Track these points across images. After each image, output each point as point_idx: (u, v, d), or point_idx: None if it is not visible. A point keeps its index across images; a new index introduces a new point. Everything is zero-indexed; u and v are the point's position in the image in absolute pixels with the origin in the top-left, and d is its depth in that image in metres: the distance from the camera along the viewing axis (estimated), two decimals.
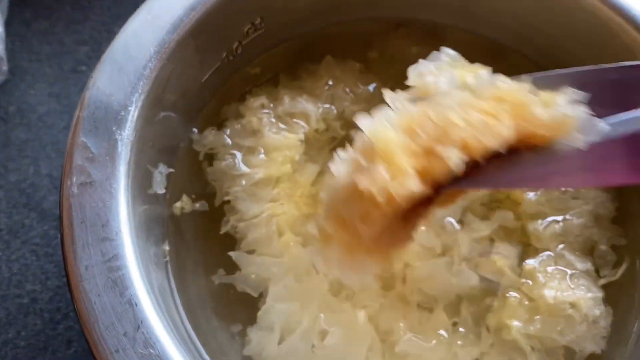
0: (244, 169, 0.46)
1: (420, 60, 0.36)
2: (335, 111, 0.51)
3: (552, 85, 0.32)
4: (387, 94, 0.34)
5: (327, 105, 0.51)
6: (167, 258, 0.45)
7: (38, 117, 0.62)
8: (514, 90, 0.31)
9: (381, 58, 0.54)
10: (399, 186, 0.29)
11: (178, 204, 0.47)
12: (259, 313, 0.43)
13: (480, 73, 0.34)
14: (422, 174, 0.30)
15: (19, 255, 0.56)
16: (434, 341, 0.42)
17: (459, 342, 0.42)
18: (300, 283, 0.43)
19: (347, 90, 0.52)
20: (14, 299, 0.54)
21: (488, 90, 0.32)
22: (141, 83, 0.40)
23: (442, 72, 0.35)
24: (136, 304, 0.34)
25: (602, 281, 0.45)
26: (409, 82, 0.35)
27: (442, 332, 0.42)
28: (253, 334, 0.43)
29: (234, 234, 0.46)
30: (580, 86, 0.31)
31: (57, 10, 0.67)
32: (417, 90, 0.35)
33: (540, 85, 0.32)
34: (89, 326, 0.34)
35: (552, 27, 0.49)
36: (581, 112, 0.30)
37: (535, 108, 0.30)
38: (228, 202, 0.47)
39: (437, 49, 0.37)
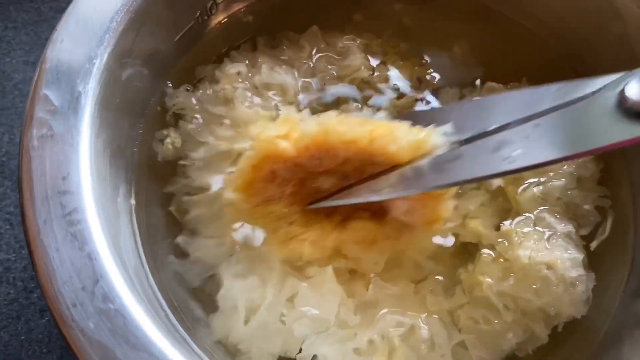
0: (208, 138, 0.45)
1: None
2: (314, 85, 0.49)
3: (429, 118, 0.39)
4: None
5: (307, 79, 0.49)
6: (134, 214, 0.43)
7: (14, 84, 0.60)
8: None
9: (365, 18, 0.53)
10: None
11: (142, 160, 0.45)
12: (219, 295, 0.42)
13: None
14: None
15: None
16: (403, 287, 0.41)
17: (430, 289, 0.41)
18: (252, 251, 0.42)
19: (329, 65, 0.50)
20: None
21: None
22: (107, 36, 0.39)
23: None
24: (95, 259, 0.33)
25: (594, 244, 0.44)
26: None
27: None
28: (216, 319, 0.42)
29: (179, 207, 0.45)
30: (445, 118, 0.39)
31: None
32: None
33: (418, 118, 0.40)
34: (46, 281, 0.32)
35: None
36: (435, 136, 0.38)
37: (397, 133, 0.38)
38: (182, 166, 0.46)
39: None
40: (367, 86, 0.51)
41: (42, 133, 0.36)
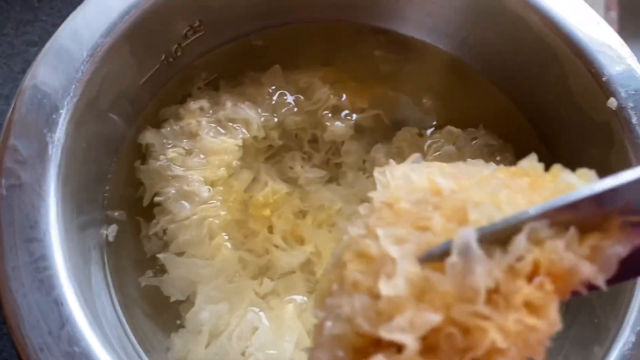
0: (178, 170, 0.47)
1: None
2: (275, 120, 0.52)
3: None
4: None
5: (267, 114, 0.52)
6: (105, 257, 0.46)
7: None
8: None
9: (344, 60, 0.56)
10: None
11: (112, 204, 0.47)
12: (187, 315, 0.44)
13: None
14: None
15: None
16: None
17: None
18: (231, 284, 0.45)
19: (290, 100, 0.53)
20: None
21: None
22: (73, 86, 0.41)
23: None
24: (62, 303, 0.35)
25: None
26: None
27: None
28: (178, 338, 0.44)
29: (162, 236, 0.47)
30: None
31: (6, 11, 0.67)
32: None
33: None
34: (14, 326, 0.35)
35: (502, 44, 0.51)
36: None
37: None
38: (159, 204, 0.47)
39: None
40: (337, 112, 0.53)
41: (10, 183, 0.38)
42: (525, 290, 0.23)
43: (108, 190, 0.47)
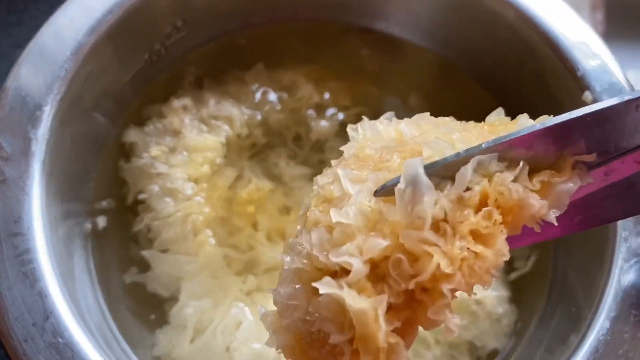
0: (162, 168, 0.48)
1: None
2: (259, 118, 0.53)
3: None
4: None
5: (251, 111, 0.53)
6: (89, 254, 0.46)
7: None
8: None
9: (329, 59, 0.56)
10: None
11: (96, 201, 0.48)
12: (172, 312, 0.45)
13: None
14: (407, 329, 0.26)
15: None
16: None
17: None
18: (215, 279, 0.45)
19: (274, 98, 0.53)
20: None
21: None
22: (57, 84, 0.42)
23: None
24: (46, 296, 0.36)
25: (513, 275, 0.47)
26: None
27: None
28: (162, 334, 0.45)
29: (147, 233, 0.47)
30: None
31: None
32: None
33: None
34: None
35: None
36: None
37: None
38: (142, 201, 0.48)
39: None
40: (321, 110, 0.54)
41: None
42: (472, 219, 0.25)
43: (92, 187, 0.48)
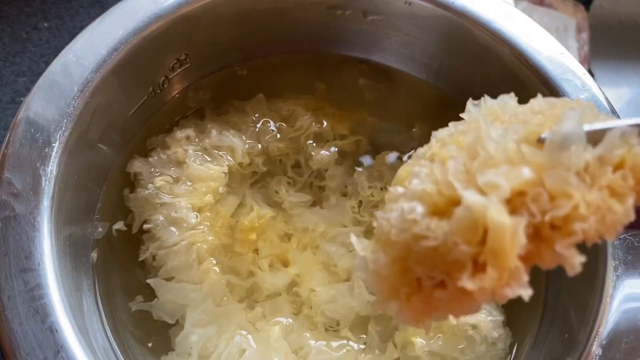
0: (166, 198, 0.49)
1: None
2: (260, 147, 0.54)
3: None
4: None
5: (252, 141, 0.54)
6: (96, 284, 0.47)
7: None
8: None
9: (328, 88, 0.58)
10: (508, 290, 0.26)
11: (102, 231, 0.49)
12: (177, 339, 0.46)
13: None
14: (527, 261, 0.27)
15: None
16: (344, 350, 0.45)
17: (364, 355, 0.45)
18: (219, 307, 0.46)
19: (273, 128, 0.55)
20: None
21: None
22: (65, 120, 0.43)
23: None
24: (57, 330, 0.37)
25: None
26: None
27: (352, 343, 0.46)
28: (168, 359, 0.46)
29: (152, 262, 0.49)
30: None
31: None
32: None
33: None
34: (11, 353, 0.36)
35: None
36: None
37: None
38: (147, 231, 0.49)
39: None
40: (319, 140, 0.55)
41: (5, 215, 0.40)
42: (610, 176, 0.27)
43: (97, 218, 0.49)
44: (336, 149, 0.55)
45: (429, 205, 0.28)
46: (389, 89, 0.58)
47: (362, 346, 0.47)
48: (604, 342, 0.40)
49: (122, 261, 0.49)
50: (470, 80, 0.54)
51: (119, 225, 0.50)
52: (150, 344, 0.47)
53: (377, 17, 0.53)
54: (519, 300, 0.48)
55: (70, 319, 0.38)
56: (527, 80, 0.49)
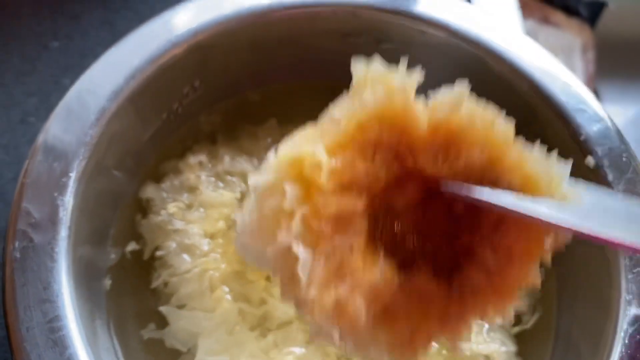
0: (179, 224, 0.49)
1: None
2: None
3: None
4: None
5: None
6: (109, 312, 0.47)
7: None
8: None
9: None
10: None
11: (114, 258, 0.49)
12: None
13: None
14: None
15: None
16: None
17: None
18: (231, 336, 0.46)
19: None
20: None
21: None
22: (82, 149, 0.43)
23: None
24: None
25: (515, 329, 0.49)
26: None
27: None
28: None
29: (164, 289, 0.49)
30: None
31: (5, 62, 0.69)
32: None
33: None
34: None
35: None
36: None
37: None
38: (160, 257, 0.49)
39: None
40: None
41: (23, 245, 0.40)
42: None
43: (110, 244, 0.49)
44: None
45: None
46: None
47: None
48: None
49: (134, 288, 0.49)
50: None
51: (132, 246, 0.50)
52: None
53: (391, 46, 0.54)
54: (531, 331, 0.49)
55: (87, 350, 0.38)
56: (540, 112, 0.49)
